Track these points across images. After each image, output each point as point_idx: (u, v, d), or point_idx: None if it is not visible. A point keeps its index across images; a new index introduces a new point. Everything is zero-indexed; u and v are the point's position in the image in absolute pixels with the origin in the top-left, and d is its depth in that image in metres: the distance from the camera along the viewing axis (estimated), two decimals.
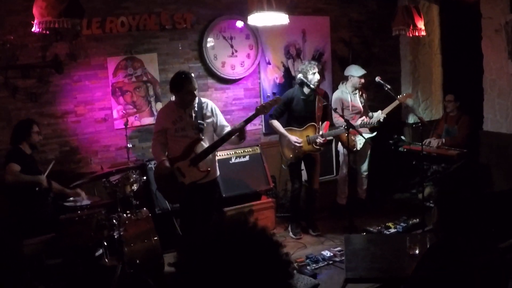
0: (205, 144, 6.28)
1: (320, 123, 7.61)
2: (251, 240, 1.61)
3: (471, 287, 2.71)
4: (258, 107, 6.34)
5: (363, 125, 7.91)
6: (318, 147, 7.54)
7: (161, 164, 6.09)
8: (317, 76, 7.41)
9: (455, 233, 2.96)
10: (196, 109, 6.27)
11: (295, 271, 6.02)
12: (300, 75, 7.46)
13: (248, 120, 6.27)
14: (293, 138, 7.41)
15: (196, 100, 6.27)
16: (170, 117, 6.20)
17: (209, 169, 6.31)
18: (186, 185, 6.19)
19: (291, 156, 7.54)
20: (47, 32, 6.27)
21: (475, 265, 2.75)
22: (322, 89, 8.24)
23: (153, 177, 6.58)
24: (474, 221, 2.89)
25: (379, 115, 8.06)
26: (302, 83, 7.48)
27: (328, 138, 7.67)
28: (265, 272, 1.55)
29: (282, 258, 1.65)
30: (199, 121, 6.24)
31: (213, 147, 6.28)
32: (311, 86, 7.32)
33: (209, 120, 6.34)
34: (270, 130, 8.10)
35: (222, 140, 6.23)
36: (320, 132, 7.54)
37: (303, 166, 7.86)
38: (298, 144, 7.38)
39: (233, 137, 6.20)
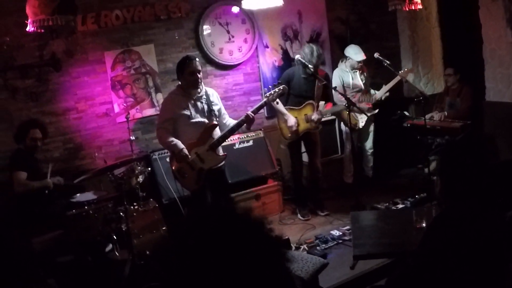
0: (218, 130, 6.45)
1: (321, 102, 7.62)
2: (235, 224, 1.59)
3: (476, 256, 2.70)
4: (267, 95, 6.65)
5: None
6: (316, 124, 7.52)
7: (182, 152, 6.15)
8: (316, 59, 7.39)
9: (458, 202, 2.95)
10: (205, 96, 6.40)
11: (305, 252, 6.07)
12: (299, 57, 7.45)
13: (258, 109, 6.66)
14: (292, 119, 7.42)
15: (203, 87, 6.46)
16: (181, 104, 6.29)
17: (226, 153, 6.49)
18: (205, 170, 6.30)
19: (289, 135, 7.54)
20: (42, 30, 6.27)
21: (480, 233, 2.75)
22: (323, 71, 8.21)
23: (170, 166, 6.55)
24: (478, 189, 2.88)
25: (381, 93, 8.07)
26: (304, 65, 7.43)
27: (326, 115, 7.65)
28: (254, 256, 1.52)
29: (268, 237, 1.62)
30: (210, 107, 6.39)
31: (231, 132, 6.49)
32: (310, 69, 7.31)
33: (216, 107, 6.50)
34: (272, 113, 8.06)
35: (238, 126, 6.45)
36: (319, 109, 7.54)
37: (303, 148, 7.89)
38: (294, 128, 7.41)
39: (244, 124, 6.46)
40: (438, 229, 2.96)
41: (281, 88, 6.70)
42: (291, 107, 7.53)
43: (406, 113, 8.80)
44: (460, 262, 2.70)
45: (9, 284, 2.64)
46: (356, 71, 8.19)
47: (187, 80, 6.25)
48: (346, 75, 8.15)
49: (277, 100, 7.11)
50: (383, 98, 8.11)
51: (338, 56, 8.88)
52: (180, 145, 6.15)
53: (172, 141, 6.17)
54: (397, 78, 8.06)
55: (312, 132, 7.65)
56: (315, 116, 7.43)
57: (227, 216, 1.60)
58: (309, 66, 7.30)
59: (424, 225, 4.60)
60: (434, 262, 2.80)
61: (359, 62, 8.08)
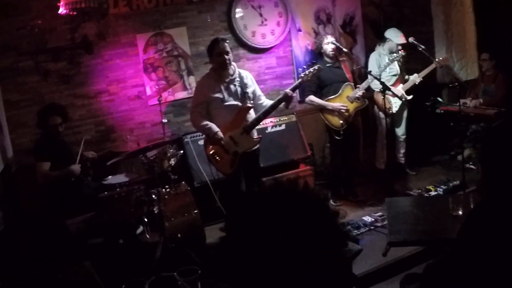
0: (252, 112, 6.41)
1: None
2: (305, 204, 1.56)
3: None
4: (302, 75, 6.60)
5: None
6: (363, 100, 7.45)
7: (216, 135, 6.14)
8: (331, 46, 7.44)
9: (501, 191, 2.88)
10: (238, 78, 6.38)
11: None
12: (317, 47, 7.70)
13: (295, 88, 6.53)
14: (337, 104, 7.35)
15: (236, 70, 6.44)
16: (213, 87, 6.28)
17: (260, 136, 6.51)
18: (240, 153, 6.28)
19: (341, 122, 7.40)
20: (74, 13, 6.30)
21: None
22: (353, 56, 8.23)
23: (204, 150, 6.54)
24: None
25: (415, 79, 7.98)
26: (320, 54, 7.60)
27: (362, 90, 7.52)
28: (318, 238, 1.50)
29: (336, 225, 1.59)
30: (244, 90, 6.36)
31: (265, 114, 6.45)
32: (334, 42, 7.44)
33: (250, 89, 6.46)
34: (305, 103, 7.96)
35: (272, 108, 6.41)
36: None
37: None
38: (344, 108, 7.32)
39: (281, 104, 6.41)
40: (479, 218, 2.89)
41: (316, 68, 6.66)
42: (330, 97, 7.46)
43: (439, 99, 8.70)
44: (502, 253, 2.64)
45: (48, 266, 2.62)
46: (393, 55, 8.09)
47: (216, 61, 6.25)
48: (383, 58, 8.05)
49: (311, 98, 7.27)
50: (417, 82, 8.01)
51: (371, 41, 8.84)
52: (215, 128, 6.14)
53: (207, 124, 6.16)
54: (432, 66, 7.98)
55: (355, 121, 7.58)
56: (359, 94, 7.38)
57: (309, 203, 1.56)
58: (331, 43, 7.45)
59: (460, 213, 4.53)
60: (474, 252, 2.74)
61: (398, 45, 7.97)
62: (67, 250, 2.78)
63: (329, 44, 7.42)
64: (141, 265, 5.89)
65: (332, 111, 7.38)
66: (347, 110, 7.32)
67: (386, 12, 9.28)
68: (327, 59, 7.51)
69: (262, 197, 1.63)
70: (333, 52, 7.44)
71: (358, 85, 7.49)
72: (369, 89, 7.87)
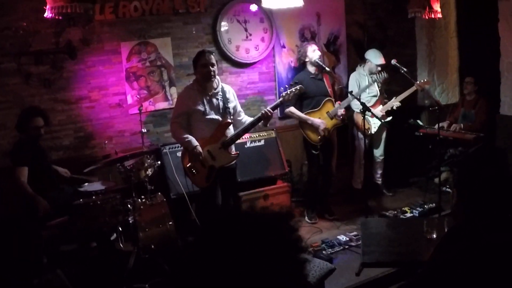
0: (231, 128, 6.43)
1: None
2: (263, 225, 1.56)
3: (491, 270, 2.66)
4: (283, 95, 6.61)
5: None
6: (341, 118, 7.50)
7: (195, 150, 6.14)
8: (317, 53, 7.50)
9: (475, 216, 2.90)
10: (221, 93, 6.39)
11: (310, 256, 6.02)
12: (300, 57, 7.71)
13: (275, 107, 6.59)
14: (318, 121, 7.39)
15: (220, 84, 6.46)
16: (196, 99, 6.28)
17: (238, 152, 6.52)
18: (216, 168, 6.30)
19: (318, 138, 7.46)
20: (60, 17, 6.27)
21: (496, 248, 2.70)
22: (336, 75, 8.30)
23: (181, 162, 6.54)
24: (494, 203, 2.84)
25: (392, 103, 8.04)
26: (305, 63, 7.62)
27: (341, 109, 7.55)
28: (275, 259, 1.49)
29: (293, 242, 1.59)
30: (226, 105, 6.37)
31: (245, 131, 6.49)
32: (317, 61, 7.44)
33: (231, 104, 6.48)
34: (285, 114, 7.99)
35: (251, 125, 6.46)
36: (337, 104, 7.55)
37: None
38: (323, 126, 7.34)
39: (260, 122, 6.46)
40: (453, 241, 2.91)
41: (298, 88, 6.71)
42: (310, 110, 7.50)
43: (419, 121, 8.75)
44: (474, 277, 2.66)
45: (22, 270, 2.61)
46: (374, 76, 8.15)
47: (200, 72, 6.26)
48: (363, 79, 8.11)
49: (291, 109, 7.31)
50: (394, 107, 8.07)
51: (354, 60, 8.87)
52: (195, 142, 6.15)
53: (187, 137, 6.16)
54: (413, 88, 8.04)
55: (331, 135, 7.62)
56: (340, 111, 7.43)
57: (256, 220, 1.56)
58: (319, 62, 7.48)
59: (434, 236, 4.55)
60: (446, 276, 2.76)
61: (378, 66, 8.03)
62: (40, 255, 2.77)
63: (315, 52, 7.46)
64: (113, 274, 5.85)
65: (312, 126, 7.41)
66: (326, 128, 7.36)
67: (370, 33, 9.33)
68: (311, 70, 7.54)
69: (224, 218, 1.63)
70: (320, 59, 7.48)
71: (339, 101, 7.53)
72: (349, 109, 7.92)
